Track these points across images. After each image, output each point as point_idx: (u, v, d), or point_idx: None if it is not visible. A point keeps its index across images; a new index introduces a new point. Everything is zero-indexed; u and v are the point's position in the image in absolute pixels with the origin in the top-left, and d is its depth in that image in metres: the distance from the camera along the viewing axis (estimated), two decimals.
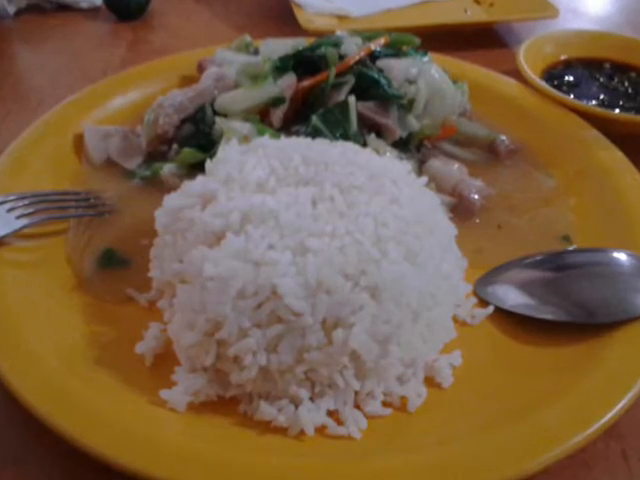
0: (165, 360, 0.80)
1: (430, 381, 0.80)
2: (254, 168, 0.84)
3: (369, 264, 0.74)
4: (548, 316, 0.86)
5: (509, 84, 1.31)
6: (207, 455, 0.69)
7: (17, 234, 0.91)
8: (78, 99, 1.20)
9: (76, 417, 0.70)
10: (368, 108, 1.10)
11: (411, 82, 1.13)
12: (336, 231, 0.76)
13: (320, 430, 0.73)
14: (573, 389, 0.77)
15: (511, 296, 0.90)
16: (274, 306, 0.72)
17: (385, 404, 0.77)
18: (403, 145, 1.12)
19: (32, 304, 0.84)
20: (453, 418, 0.76)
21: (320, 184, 0.82)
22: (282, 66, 1.15)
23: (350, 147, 0.92)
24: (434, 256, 0.80)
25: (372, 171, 0.84)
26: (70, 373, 0.76)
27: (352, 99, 1.08)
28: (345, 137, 1.05)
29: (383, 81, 1.12)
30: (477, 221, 1.05)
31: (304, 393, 0.74)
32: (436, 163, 1.10)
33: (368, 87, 1.11)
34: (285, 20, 1.61)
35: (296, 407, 0.74)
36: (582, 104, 1.24)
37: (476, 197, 1.05)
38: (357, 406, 0.76)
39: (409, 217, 0.80)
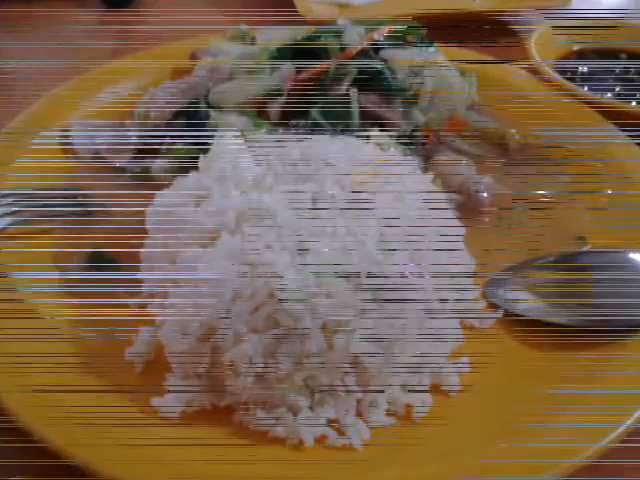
0: (156, 367, 0.79)
1: (436, 389, 0.80)
2: (250, 164, 0.84)
3: (372, 265, 0.74)
4: (561, 320, 0.86)
5: (519, 75, 1.31)
6: (200, 467, 0.68)
7: None
8: (65, 91, 1.20)
9: (61, 426, 0.70)
10: (371, 101, 1.10)
11: (416, 74, 1.14)
12: (337, 231, 0.76)
13: (320, 441, 0.73)
14: (587, 398, 0.77)
15: (522, 299, 0.90)
16: (271, 310, 0.72)
17: (389, 413, 0.77)
18: (408, 140, 1.12)
19: (16, 307, 0.84)
20: (460, 428, 0.76)
21: (320, 181, 0.82)
22: (280, 57, 1.15)
23: (352, 142, 0.92)
24: (441, 257, 0.80)
25: (375, 167, 0.84)
26: (56, 380, 0.76)
27: (354, 91, 1.08)
28: (346, 131, 1.04)
29: (387, 72, 1.12)
30: (486, 220, 1.05)
31: (303, 401, 0.74)
32: (443, 159, 1.10)
33: (371, 79, 1.12)
34: (283, 8, 1.61)
35: (294, 416, 0.74)
36: (597, 97, 1.24)
37: (485, 195, 1.05)
38: (359, 415, 0.76)
39: (414, 216, 0.80)
